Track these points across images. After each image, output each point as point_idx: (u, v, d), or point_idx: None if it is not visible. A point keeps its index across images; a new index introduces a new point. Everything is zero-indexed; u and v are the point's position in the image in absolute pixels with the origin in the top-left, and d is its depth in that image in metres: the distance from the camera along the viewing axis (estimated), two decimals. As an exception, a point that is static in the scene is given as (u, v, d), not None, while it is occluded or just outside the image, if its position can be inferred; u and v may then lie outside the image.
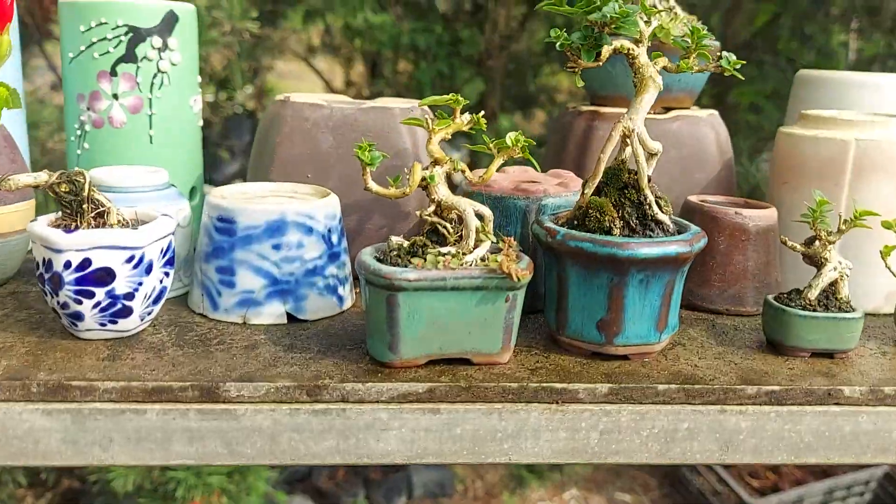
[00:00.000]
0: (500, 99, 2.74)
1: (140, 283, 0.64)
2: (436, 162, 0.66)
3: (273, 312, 0.71)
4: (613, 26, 0.63)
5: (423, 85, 2.48)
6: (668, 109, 0.92)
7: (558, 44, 0.64)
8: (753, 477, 2.85)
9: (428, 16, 2.62)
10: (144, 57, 0.79)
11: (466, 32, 2.61)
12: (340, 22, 2.75)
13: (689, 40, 0.67)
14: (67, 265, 0.62)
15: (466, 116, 0.65)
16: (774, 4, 2.70)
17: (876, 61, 2.53)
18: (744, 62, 0.67)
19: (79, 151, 0.81)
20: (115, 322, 0.65)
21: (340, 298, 0.75)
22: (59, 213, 0.65)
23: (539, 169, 0.73)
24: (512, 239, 0.65)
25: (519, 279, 0.61)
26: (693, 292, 0.80)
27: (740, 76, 0.68)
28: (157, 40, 0.79)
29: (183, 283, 0.78)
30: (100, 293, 0.63)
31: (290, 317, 0.72)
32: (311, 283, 0.72)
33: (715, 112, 0.93)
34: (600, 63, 0.65)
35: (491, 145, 0.67)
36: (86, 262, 0.62)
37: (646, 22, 0.67)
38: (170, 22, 0.80)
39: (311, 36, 3.13)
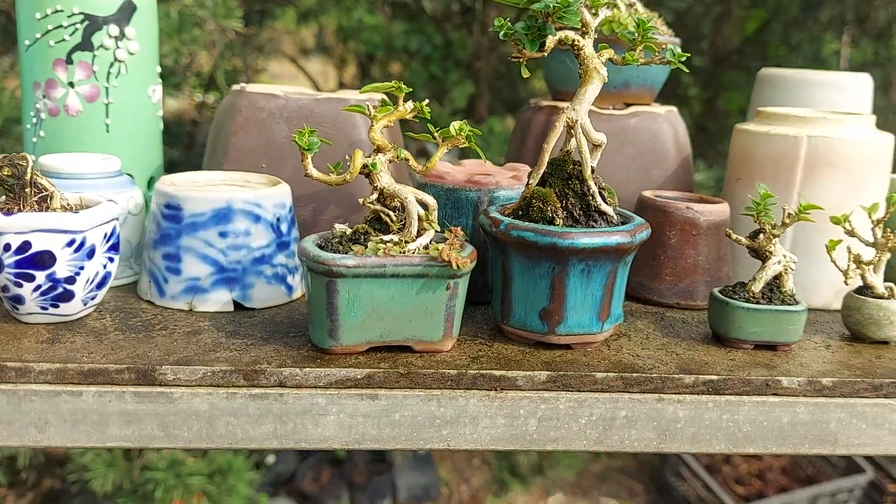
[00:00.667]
0: (490, 101, 2.75)
1: (81, 268, 0.64)
2: (378, 149, 0.66)
3: (219, 300, 0.71)
4: (556, 16, 0.63)
5: (416, 87, 2.48)
6: (628, 105, 0.93)
7: (501, 33, 0.65)
8: (739, 483, 2.85)
9: (419, 18, 2.63)
10: (101, 45, 0.79)
11: (456, 35, 2.61)
12: (334, 24, 2.76)
13: (636, 33, 0.67)
14: (7, 248, 0.62)
15: (409, 104, 0.66)
16: (764, 11, 2.72)
17: (864, 68, 2.53)
18: (689, 55, 0.68)
19: (34, 139, 0.81)
20: (57, 306, 0.65)
21: (289, 287, 0.75)
22: (3, 197, 0.65)
23: (485, 159, 0.73)
24: (459, 229, 0.66)
25: (459, 267, 0.61)
26: (644, 286, 0.80)
27: (685, 69, 0.68)
28: (113, 29, 0.79)
29: (133, 270, 0.79)
30: (40, 276, 0.63)
31: (238, 305, 0.72)
32: (258, 271, 0.72)
33: (674, 109, 0.93)
34: (545, 53, 0.65)
35: (436, 134, 0.67)
36: (25, 245, 0.62)
37: (592, 13, 0.67)
38: (127, 11, 0.80)
39: (304, 37, 3.14)
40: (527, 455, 2.56)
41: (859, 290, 0.73)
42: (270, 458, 2.84)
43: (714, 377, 0.63)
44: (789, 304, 0.68)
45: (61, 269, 0.64)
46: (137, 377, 0.60)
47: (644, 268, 0.79)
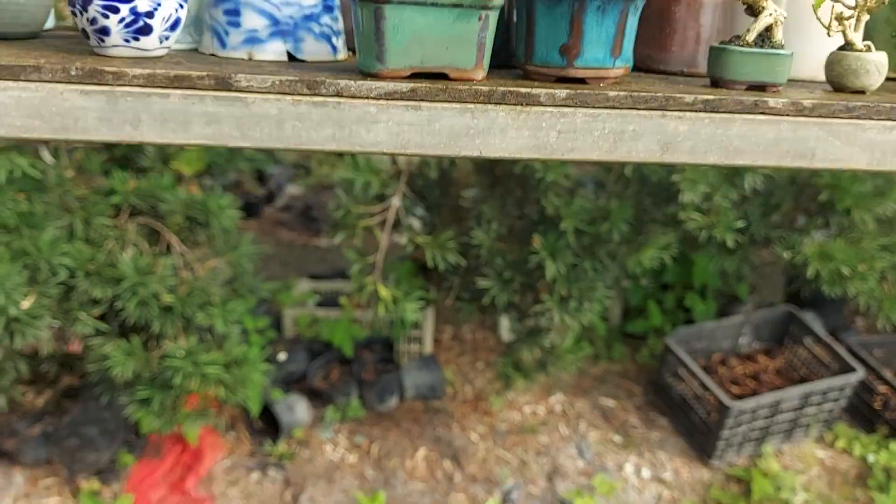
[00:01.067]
0: None
1: (159, 4, 0.74)
2: None
3: (275, 51, 0.81)
4: None
5: None
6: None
7: None
8: (734, 384, 2.98)
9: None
10: None
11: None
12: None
13: None
14: (98, -21, 0.71)
15: None
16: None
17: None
18: None
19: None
20: (138, 39, 0.75)
21: (334, 48, 0.85)
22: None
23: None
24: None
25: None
26: (651, 57, 0.90)
27: None
28: None
29: (193, 38, 0.88)
30: (124, 9, 0.73)
31: (291, 56, 0.82)
32: (308, 27, 0.81)
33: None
34: None
35: None
36: (113, -22, 0.71)
37: None
38: None
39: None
40: (531, 352, 2.67)
41: (841, 48, 0.83)
42: (282, 356, 2.96)
43: (710, 97, 0.73)
44: (778, 49, 0.78)
45: (142, 4, 0.73)
46: (216, 83, 0.69)
47: (651, 41, 0.89)
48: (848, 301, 3.55)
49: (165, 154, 2.46)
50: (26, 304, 2.01)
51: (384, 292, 2.27)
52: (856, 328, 3.60)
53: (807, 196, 2.60)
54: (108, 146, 2.56)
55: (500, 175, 2.57)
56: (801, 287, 2.88)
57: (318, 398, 2.93)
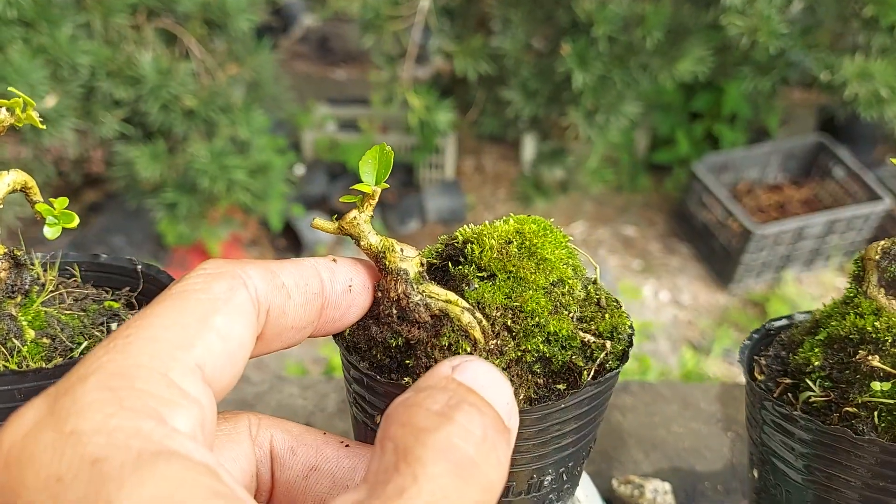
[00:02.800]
0: None
1: None
2: None
3: None
4: None
5: None
6: None
7: None
8: (759, 212, 2.96)
9: None
10: None
11: None
12: None
13: None
14: None
15: None
16: None
17: None
18: None
19: None
20: None
21: None
22: None
23: None
24: None
25: None
26: None
27: None
28: None
29: None
30: None
31: None
32: None
33: None
34: None
35: None
36: None
37: None
38: None
39: None
40: (552, 171, 2.65)
41: None
42: (298, 169, 2.96)
43: None
44: None
45: None
46: None
47: None
48: (880, 138, 3.47)
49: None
50: (51, 101, 2.00)
51: (415, 100, 2.22)
52: (887, 164, 3.54)
53: (851, 10, 2.47)
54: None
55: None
56: (835, 114, 2.81)
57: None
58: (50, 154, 2.53)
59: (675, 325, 2.67)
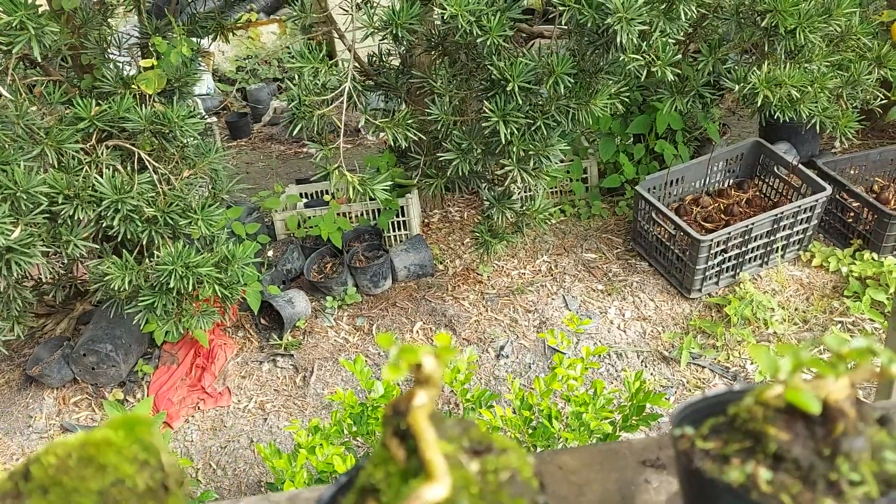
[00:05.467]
0: None
1: None
2: None
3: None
4: None
5: None
6: None
7: None
8: (707, 221, 3.08)
9: None
10: None
11: None
12: None
13: None
14: None
15: None
16: None
17: None
18: None
19: None
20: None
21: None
22: None
23: None
24: None
25: None
26: None
27: None
28: None
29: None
30: None
31: None
32: None
33: None
34: None
35: None
36: None
37: None
38: None
39: None
40: (503, 215, 2.78)
41: None
42: (270, 253, 3.11)
43: None
44: None
45: None
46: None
47: None
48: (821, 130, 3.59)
49: (126, 78, 2.55)
50: (16, 233, 2.16)
51: (349, 176, 2.38)
52: (832, 154, 3.65)
53: (751, 21, 2.62)
54: (68, 78, 2.66)
55: (448, 48, 2.63)
56: (759, 116, 2.93)
57: (316, 291, 3.10)
58: (29, 280, 2.70)
59: (644, 338, 2.78)
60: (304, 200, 3.44)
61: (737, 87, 2.55)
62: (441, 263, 3.24)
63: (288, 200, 3.34)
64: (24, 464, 0.41)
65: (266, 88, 5.15)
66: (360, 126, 4.35)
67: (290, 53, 2.32)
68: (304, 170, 4.26)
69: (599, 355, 2.63)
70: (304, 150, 4.59)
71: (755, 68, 2.52)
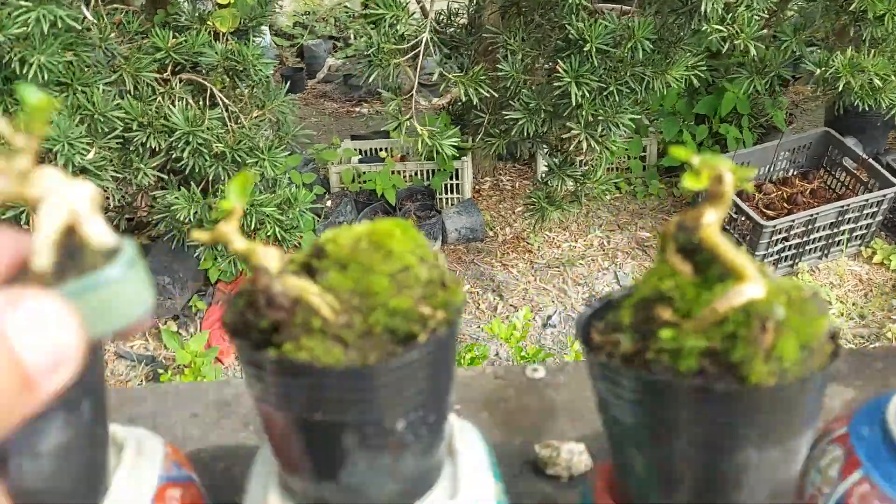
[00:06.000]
0: None
1: None
2: None
3: None
4: None
5: None
6: None
7: None
8: (768, 208, 3.03)
9: None
10: None
11: None
12: None
13: None
14: None
15: None
16: None
17: None
18: None
19: None
20: None
21: None
22: None
23: None
24: None
25: None
26: None
27: None
28: None
29: None
30: None
31: None
32: None
33: None
34: None
35: None
36: None
37: None
38: None
39: None
40: (562, 183, 2.77)
41: None
42: (328, 203, 3.13)
43: None
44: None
45: None
46: None
47: None
48: (892, 126, 3.51)
49: (202, 14, 2.57)
50: (90, 155, 2.20)
51: (420, 128, 2.38)
52: (898, 152, 3.57)
53: (840, 5, 2.56)
54: (145, 8, 2.68)
55: (524, 7, 2.61)
56: (836, 104, 2.87)
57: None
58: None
59: (694, 322, 2.75)
60: (359, 157, 3.44)
61: (818, 71, 2.50)
62: (491, 230, 3.23)
63: (344, 154, 3.35)
64: (313, 245, 0.44)
65: (322, 45, 5.15)
66: (413, 91, 4.36)
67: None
68: (356, 129, 4.27)
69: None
70: (357, 109, 4.60)
71: (838, 53, 2.47)
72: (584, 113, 2.38)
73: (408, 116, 2.34)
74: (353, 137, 3.69)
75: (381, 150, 3.47)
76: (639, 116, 2.53)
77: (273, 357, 0.41)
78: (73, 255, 0.31)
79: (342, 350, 0.41)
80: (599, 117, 2.39)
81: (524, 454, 0.68)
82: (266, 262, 0.40)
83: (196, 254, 2.56)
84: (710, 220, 0.41)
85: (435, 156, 2.82)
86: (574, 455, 0.66)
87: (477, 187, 3.51)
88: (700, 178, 0.39)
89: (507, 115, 2.47)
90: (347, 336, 0.40)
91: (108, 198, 2.87)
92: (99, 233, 0.32)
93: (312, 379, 0.41)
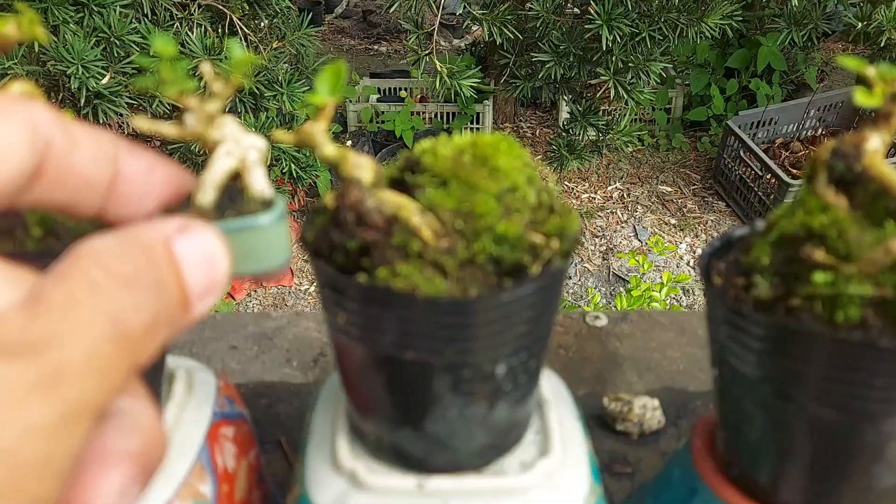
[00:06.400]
0: None
1: None
2: None
3: None
4: None
5: None
6: None
7: None
8: (796, 167, 2.96)
9: None
10: None
11: None
12: None
13: None
14: None
15: None
16: None
17: None
18: None
19: None
20: None
21: None
22: None
23: None
24: None
25: None
26: None
27: None
28: None
29: None
30: None
31: None
32: None
33: None
34: None
35: None
36: None
37: None
38: None
39: None
40: (584, 131, 2.69)
41: None
42: (348, 143, 3.06)
43: None
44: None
45: None
46: None
47: None
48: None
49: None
50: (105, 80, 2.13)
51: (440, 65, 2.30)
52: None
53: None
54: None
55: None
56: (873, 62, 2.78)
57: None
58: (110, 130, 2.67)
59: (712, 279, 2.71)
60: (378, 96, 3.36)
61: (859, 25, 2.41)
62: (511, 176, 3.16)
63: (363, 91, 3.26)
64: (406, 158, 0.39)
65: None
66: (434, 30, 4.22)
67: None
68: (374, 67, 4.16)
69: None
70: (376, 47, 4.48)
71: (882, 6, 2.38)
72: (613, 59, 2.29)
73: (428, 52, 2.25)
74: (372, 76, 3.59)
75: (400, 90, 3.38)
76: (669, 66, 2.45)
77: (363, 283, 0.35)
78: (232, 198, 0.34)
79: (442, 279, 0.36)
80: (630, 64, 2.31)
81: (589, 407, 0.64)
82: (359, 173, 0.35)
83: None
84: (875, 145, 0.35)
85: (454, 98, 2.74)
86: (647, 411, 0.62)
87: (496, 132, 3.43)
88: (874, 93, 0.33)
89: (534, 56, 2.39)
90: (448, 264, 0.35)
91: (122, 126, 2.81)
92: (260, 183, 0.34)
93: (408, 311, 0.36)
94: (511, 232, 0.36)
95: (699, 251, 2.82)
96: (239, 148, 0.34)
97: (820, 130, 3.11)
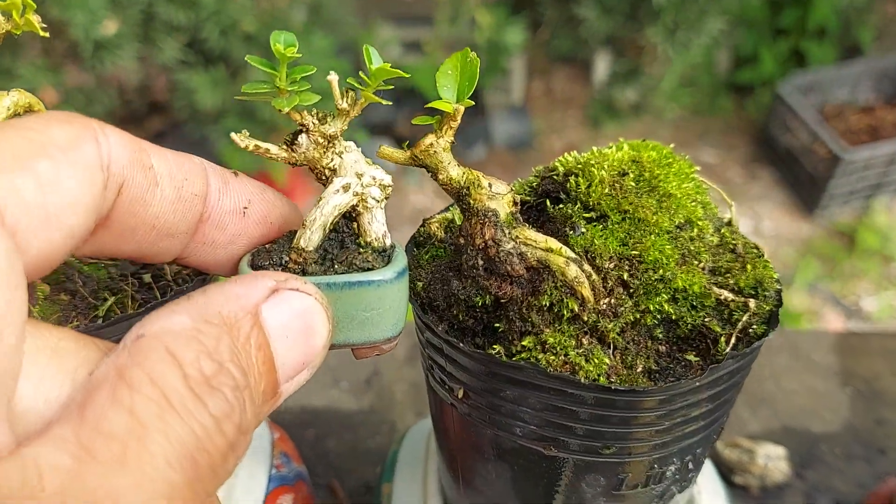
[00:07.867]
0: None
1: None
2: None
3: None
4: None
5: None
6: None
7: None
8: (848, 136, 2.78)
9: None
10: None
11: None
12: None
13: None
14: None
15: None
16: None
17: None
18: None
19: None
20: None
21: None
22: None
23: None
24: None
25: None
26: None
27: None
28: None
29: None
30: None
31: None
32: None
33: None
34: None
35: None
36: None
37: None
38: None
39: None
40: (624, 94, 2.53)
41: None
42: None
43: None
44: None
45: None
46: None
47: None
48: None
49: None
50: (111, 27, 1.98)
51: (484, 17, 2.13)
52: None
53: None
54: None
55: None
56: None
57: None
58: (114, 81, 2.53)
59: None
60: (400, 44, 3.17)
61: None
62: (536, 138, 3.00)
63: (385, 42, 3.08)
64: (541, 174, 0.34)
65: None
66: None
67: None
68: (398, 10, 3.95)
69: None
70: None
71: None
72: (665, 17, 2.12)
73: (471, 4, 2.09)
74: (395, 20, 3.38)
75: (423, 39, 3.19)
76: (723, 27, 2.27)
77: (499, 358, 0.25)
78: (342, 243, 0.29)
79: (603, 353, 0.23)
80: (682, 22, 2.13)
81: (703, 452, 0.50)
82: (494, 204, 0.27)
83: (218, 145, 2.37)
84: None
85: (486, 51, 2.57)
86: (770, 461, 0.49)
87: (527, 92, 3.26)
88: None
89: (578, 11, 2.21)
90: (610, 329, 0.26)
91: (121, 84, 2.67)
92: (379, 229, 0.28)
93: (559, 399, 0.23)
94: (693, 286, 0.28)
95: (742, 224, 2.67)
96: (359, 183, 0.28)
97: (873, 99, 2.92)
